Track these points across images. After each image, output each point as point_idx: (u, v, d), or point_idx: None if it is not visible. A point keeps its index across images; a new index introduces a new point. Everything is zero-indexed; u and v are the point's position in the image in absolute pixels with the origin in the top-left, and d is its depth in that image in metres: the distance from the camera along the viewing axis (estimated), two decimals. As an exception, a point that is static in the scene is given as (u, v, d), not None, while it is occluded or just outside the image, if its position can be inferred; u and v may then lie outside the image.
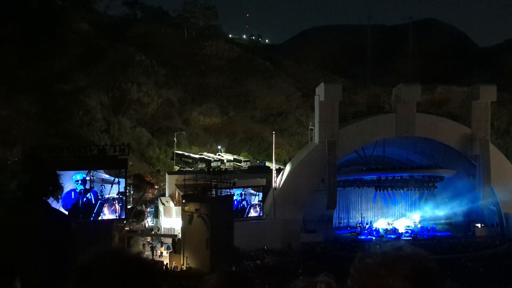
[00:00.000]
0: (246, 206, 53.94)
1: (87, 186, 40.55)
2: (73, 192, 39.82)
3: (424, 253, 2.13)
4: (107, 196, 41.24)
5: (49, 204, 4.21)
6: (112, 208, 41.74)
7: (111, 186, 41.26)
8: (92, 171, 40.60)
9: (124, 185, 42.39)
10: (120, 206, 42.16)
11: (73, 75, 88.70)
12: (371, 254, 2.11)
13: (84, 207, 40.28)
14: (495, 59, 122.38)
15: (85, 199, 40.30)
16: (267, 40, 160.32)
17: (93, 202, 40.62)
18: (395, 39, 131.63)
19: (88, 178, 40.40)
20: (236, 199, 51.68)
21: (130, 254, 2.37)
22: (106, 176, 41.18)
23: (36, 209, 3.98)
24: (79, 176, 40.00)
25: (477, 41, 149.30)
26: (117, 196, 41.89)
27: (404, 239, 56.34)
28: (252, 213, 54.40)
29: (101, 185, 40.96)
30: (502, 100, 76.69)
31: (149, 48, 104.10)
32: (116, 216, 42.54)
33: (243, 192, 53.65)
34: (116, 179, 41.30)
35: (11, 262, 3.28)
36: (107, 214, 41.84)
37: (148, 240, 51.74)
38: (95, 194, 40.70)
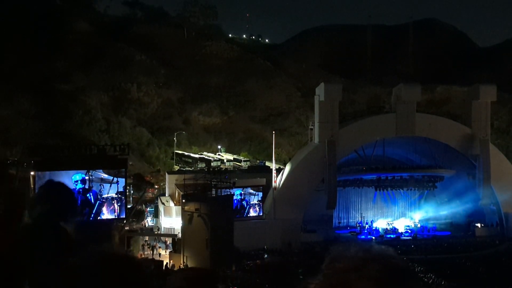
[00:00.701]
0: (245, 206, 53.97)
1: (86, 186, 40.50)
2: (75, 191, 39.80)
3: (392, 252, 2.07)
4: (106, 195, 41.18)
5: (65, 231, 4.60)
6: (111, 208, 41.67)
7: (110, 186, 41.20)
8: (91, 171, 40.54)
9: (124, 185, 42.35)
10: (119, 205, 42.10)
11: (73, 74, 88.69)
12: (339, 258, 2.05)
13: (84, 207, 40.24)
14: (495, 59, 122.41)
15: (84, 198, 40.22)
16: (267, 40, 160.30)
17: (93, 202, 40.58)
18: (395, 39, 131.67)
19: (87, 177, 40.35)
20: (236, 199, 51.72)
21: (118, 254, 2.38)
22: (105, 176, 41.12)
23: (51, 235, 4.38)
24: (78, 176, 39.97)
25: (477, 41, 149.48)
26: (116, 196, 41.82)
27: (404, 239, 56.44)
28: (252, 213, 54.42)
29: (100, 185, 40.90)
30: (502, 100, 76.70)
31: (149, 48, 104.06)
32: (115, 216, 42.47)
33: (242, 192, 53.66)
34: (115, 179, 41.24)
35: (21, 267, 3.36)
36: (106, 214, 41.79)
37: (146, 239, 51.71)
38: (95, 194, 40.67)
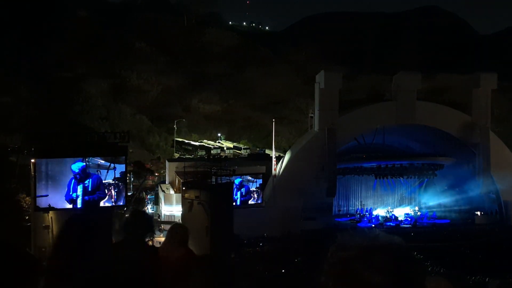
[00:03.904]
0: (244, 193, 54.02)
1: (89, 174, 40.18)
2: (73, 180, 39.75)
3: (401, 241, 2.02)
4: (103, 181, 40.94)
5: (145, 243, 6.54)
6: (108, 194, 41.45)
7: (107, 172, 40.96)
8: (89, 157, 40.34)
9: (123, 172, 42.22)
10: (116, 191, 41.86)
11: (73, 62, 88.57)
12: (344, 247, 2.00)
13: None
14: (496, 46, 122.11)
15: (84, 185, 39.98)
16: (267, 27, 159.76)
17: (90, 189, 40.37)
18: (396, 26, 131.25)
19: (87, 163, 40.13)
20: (239, 183, 52.20)
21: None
22: (102, 162, 40.92)
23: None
24: (77, 165, 39.70)
25: (477, 29, 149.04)
26: (113, 182, 41.60)
27: (404, 226, 56.56)
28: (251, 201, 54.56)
29: (97, 171, 40.69)
30: (503, 88, 76.56)
31: (149, 36, 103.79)
32: (112, 203, 42.27)
33: (241, 179, 53.74)
34: (112, 165, 41.03)
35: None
36: (102, 202, 41.47)
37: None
38: (94, 180, 40.39)
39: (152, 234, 6.85)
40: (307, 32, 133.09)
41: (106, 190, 40.97)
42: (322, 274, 2.02)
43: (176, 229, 7.68)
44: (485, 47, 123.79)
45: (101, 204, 41.33)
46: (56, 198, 39.20)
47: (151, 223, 6.87)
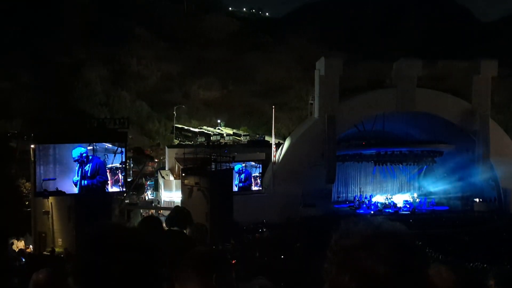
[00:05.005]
0: (243, 179, 54.09)
1: (88, 159, 40.07)
2: (77, 164, 39.82)
3: (404, 229, 2.00)
4: (110, 165, 40.88)
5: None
6: (116, 178, 41.30)
7: (114, 156, 40.91)
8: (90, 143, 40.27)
9: (124, 158, 42.19)
10: (124, 176, 41.93)
11: (73, 48, 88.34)
12: (348, 235, 1.97)
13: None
14: (497, 33, 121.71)
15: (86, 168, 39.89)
16: (267, 13, 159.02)
17: (89, 174, 40.31)
18: (397, 13, 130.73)
19: (91, 148, 40.03)
20: (239, 169, 52.21)
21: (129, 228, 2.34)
22: (110, 146, 40.87)
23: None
24: (76, 150, 39.64)
25: (479, 16, 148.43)
26: (120, 166, 41.53)
27: (402, 213, 56.69)
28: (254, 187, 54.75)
29: (104, 155, 40.63)
30: (503, 75, 76.36)
31: (148, 21, 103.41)
32: (120, 187, 42.17)
33: (243, 165, 53.78)
34: (119, 149, 41.00)
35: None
36: (110, 185, 41.28)
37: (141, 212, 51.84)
38: (94, 164, 40.21)
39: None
40: (308, 18, 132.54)
41: (111, 174, 40.90)
42: (325, 262, 2.00)
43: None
44: (486, 34, 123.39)
45: (110, 188, 41.30)
46: (63, 182, 39.40)
47: (191, 218, 7.58)
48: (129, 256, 2.12)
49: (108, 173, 40.75)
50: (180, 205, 48.06)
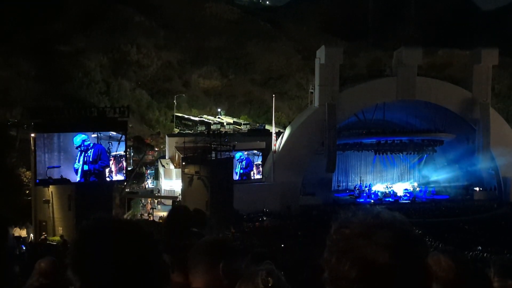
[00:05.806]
0: (244, 166, 54.11)
1: (90, 145, 40.08)
2: (79, 152, 39.93)
3: (404, 219, 2.00)
4: (114, 153, 40.94)
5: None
6: (120, 166, 41.36)
7: (118, 144, 40.99)
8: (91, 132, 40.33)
9: (124, 147, 42.20)
10: (127, 163, 42.07)
11: (73, 36, 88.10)
12: (348, 223, 1.97)
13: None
14: (498, 22, 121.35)
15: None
16: (267, 2, 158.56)
17: (91, 160, 40.35)
18: (397, 1, 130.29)
19: (95, 135, 40.10)
20: (240, 157, 52.31)
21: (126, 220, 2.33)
22: (114, 134, 40.93)
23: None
24: (77, 137, 39.66)
25: (480, 4, 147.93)
26: (125, 154, 41.62)
27: (403, 202, 56.80)
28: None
29: (109, 142, 40.69)
30: (503, 64, 76.22)
31: (148, 9, 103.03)
32: (123, 175, 42.25)
33: (246, 153, 53.80)
34: (123, 136, 41.13)
35: None
36: (114, 173, 41.32)
37: (149, 201, 51.96)
38: (96, 150, 40.18)
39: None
40: (308, 6, 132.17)
41: (116, 162, 40.98)
42: (325, 250, 2.00)
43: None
44: (487, 23, 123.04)
45: (114, 176, 41.47)
46: (68, 170, 39.61)
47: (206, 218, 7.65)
48: (126, 249, 2.12)
49: (112, 161, 40.89)
50: (180, 195, 48.25)
